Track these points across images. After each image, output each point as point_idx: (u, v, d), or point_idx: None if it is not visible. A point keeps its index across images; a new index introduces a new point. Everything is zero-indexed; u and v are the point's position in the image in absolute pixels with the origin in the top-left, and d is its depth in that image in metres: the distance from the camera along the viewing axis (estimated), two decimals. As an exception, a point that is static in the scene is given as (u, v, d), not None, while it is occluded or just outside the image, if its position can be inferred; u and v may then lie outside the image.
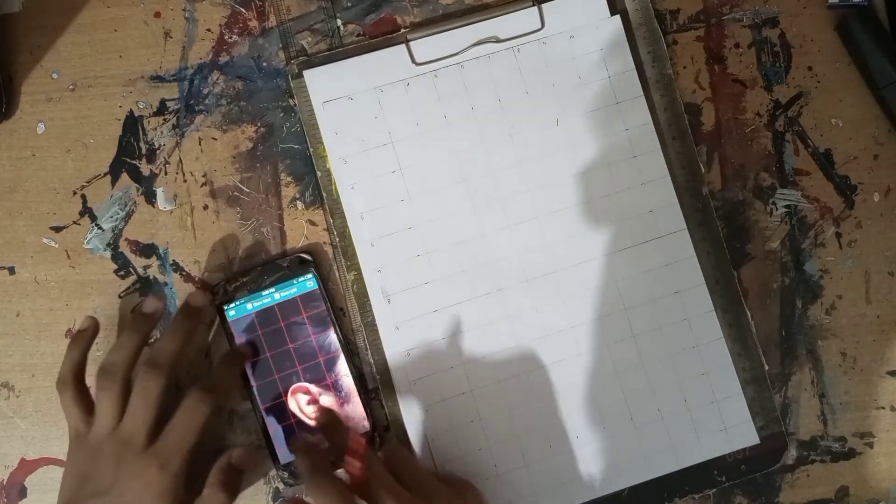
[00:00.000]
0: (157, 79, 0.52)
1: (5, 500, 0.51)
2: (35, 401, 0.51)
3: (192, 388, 0.46)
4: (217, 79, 0.52)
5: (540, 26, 0.52)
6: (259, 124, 0.52)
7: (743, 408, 0.51)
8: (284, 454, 0.50)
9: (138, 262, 0.52)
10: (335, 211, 0.51)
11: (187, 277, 0.52)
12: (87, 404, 0.47)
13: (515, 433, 0.51)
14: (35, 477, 0.51)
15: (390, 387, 0.51)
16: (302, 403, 0.50)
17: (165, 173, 0.52)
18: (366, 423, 0.50)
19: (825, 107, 0.53)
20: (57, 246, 0.52)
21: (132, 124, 0.52)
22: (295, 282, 0.51)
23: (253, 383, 0.50)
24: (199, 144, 0.52)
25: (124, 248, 0.52)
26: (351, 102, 0.52)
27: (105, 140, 0.52)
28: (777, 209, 0.53)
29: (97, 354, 0.51)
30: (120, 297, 0.52)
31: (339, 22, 0.53)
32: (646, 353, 0.51)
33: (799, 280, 0.53)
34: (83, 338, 0.49)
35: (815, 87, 0.53)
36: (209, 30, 0.53)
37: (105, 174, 0.52)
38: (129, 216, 0.52)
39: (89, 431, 0.46)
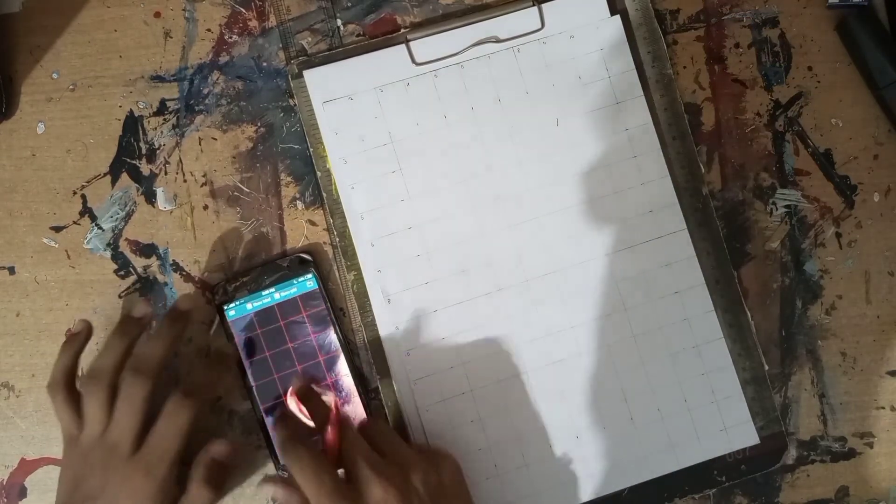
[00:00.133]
0: (157, 79, 0.52)
1: (5, 500, 0.51)
2: (35, 401, 0.51)
3: (174, 393, 0.46)
4: (217, 79, 0.52)
5: (540, 26, 0.52)
6: (259, 124, 0.52)
7: (743, 408, 0.51)
8: (284, 454, 0.50)
9: (138, 262, 0.52)
10: (335, 211, 0.51)
11: (187, 277, 0.52)
12: (78, 408, 0.47)
13: (515, 433, 0.51)
14: (35, 477, 0.51)
15: (390, 387, 0.51)
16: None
17: (165, 173, 0.52)
18: (366, 423, 0.50)
19: (825, 107, 0.53)
20: (57, 246, 0.52)
21: (132, 124, 0.52)
22: (295, 282, 0.51)
23: (253, 383, 0.50)
24: (199, 144, 0.52)
25: (124, 248, 0.52)
26: (351, 102, 0.52)
27: (105, 140, 0.52)
28: (777, 209, 0.53)
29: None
30: (120, 297, 0.52)
31: (339, 22, 0.53)
32: (646, 353, 0.51)
33: (799, 280, 0.53)
34: (75, 341, 0.48)
35: (815, 87, 0.53)
36: (209, 30, 0.53)
37: (105, 174, 0.52)
38: (129, 216, 0.52)
39: (81, 435, 0.46)
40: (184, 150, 0.52)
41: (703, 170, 0.52)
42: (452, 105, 0.52)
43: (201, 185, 0.52)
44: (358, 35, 0.53)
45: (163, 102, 0.52)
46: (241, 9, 0.53)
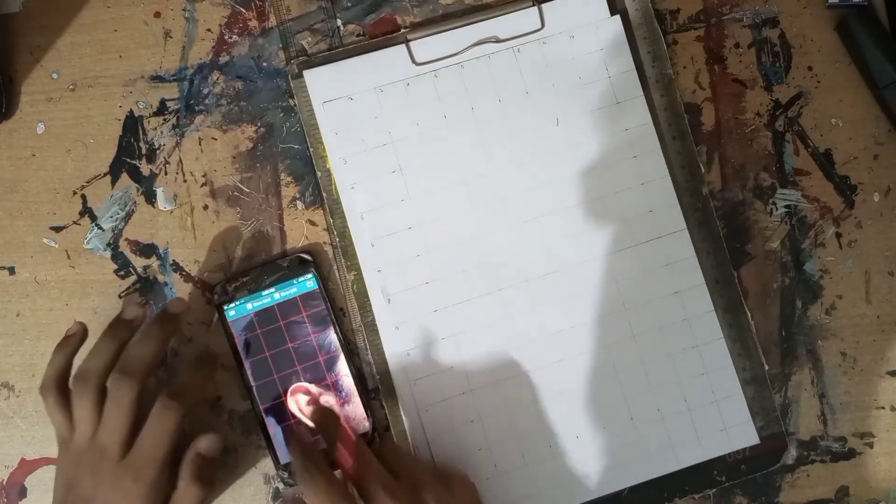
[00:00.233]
0: (157, 79, 0.52)
1: (5, 500, 0.51)
2: (35, 401, 0.51)
3: (161, 395, 0.45)
4: (217, 79, 0.52)
5: (540, 26, 0.52)
6: (259, 124, 0.52)
7: (743, 408, 0.51)
8: (284, 454, 0.50)
9: (138, 262, 0.52)
10: (335, 211, 0.51)
11: (187, 277, 0.52)
12: (69, 410, 0.46)
13: (515, 433, 0.51)
14: (35, 477, 0.51)
15: (390, 387, 0.51)
16: (302, 404, 0.49)
17: (165, 173, 0.52)
18: (366, 423, 0.50)
19: (825, 107, 0.53)
20: (57, 246, 0.52)
21: (132, 124, 0.52)
22: (295, 282, 0.51)
23: (253, 383, 0.50)
24: (199, 144, 0.52)
25: (124, 248, 0.52)
26: (351, 102, 0.52)
27: (105, 140, 0.52)
28: (777, 209, 0.53)
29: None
30: (120, 297, 0.52)
31: (339, 22, 0.53)
32: (646, 353, 0.51)
33: (799, 280, 0.53)
34: (69, 344, 0.48)
35: (815, 87, 0.53)
36: (209, 30, 0.53)
37: (105, 174, 0.52)
38: (129, 216, 0.52)
39: (73, 437, 0.46)
40: (184, 150, 0.52)
41: (703, 170, 0.52)
42: (452, 105, 0.52)
43: (201, 185, 0.52)
44: (358, 35, 0.53)
45: (163, 102, 0.52)
46: (241, 9, 0.53)
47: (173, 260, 0.52)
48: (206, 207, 0.52)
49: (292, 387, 0.50)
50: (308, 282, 0.51)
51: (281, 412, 0.50)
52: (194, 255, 0.52)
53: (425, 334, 0.51)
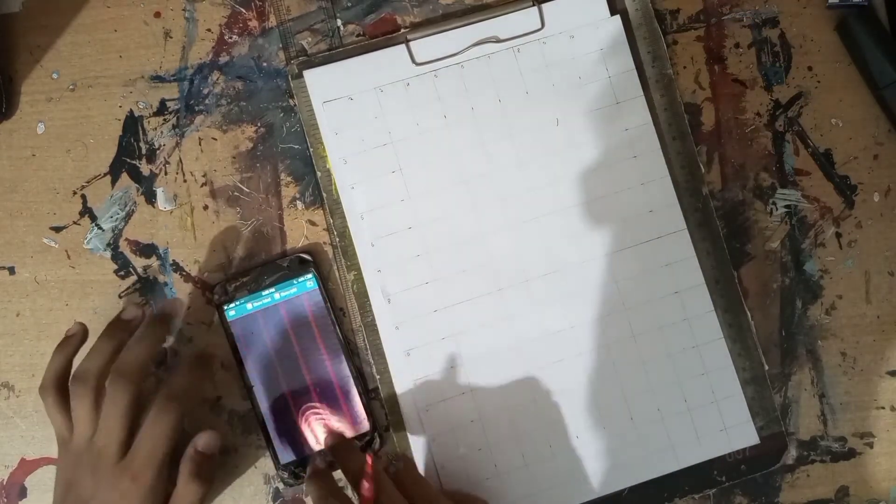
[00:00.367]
0: (157, 79, 0.52)
1: (5, 500, 0.51)
2: (35, 401, 0.51)
3: (158, 396, 0.45)
4: (217, 79, 0.52)
5: (540, 26, 0.52)
6: (259, 124, 0.52)
7: (743, 408, 0.51)
8: (284, 454, 0.50)
9: (138, 262, 0.52)
10: (335, 211, 0.51)
11: (187, 277, 0.52)
12: (68, 411, 0.46)
13: (515, 433, 0.51)
14: (35, 477, 0.51)
15: (390, 388, 0.51)
16: (312, 423, 0.50)
17: (165, 173, 0.52)
18: (366, 424, 0.50)
19: (825, 107, 0.53)
20: (57, 246, 0.52)
21: (132, 124, 0.52)
22: (295, 282, 0.51)
23: (253, 383, 0.50)
24: (199, 144, 0.52)
25: (124, 248, 0.52)
26: (351, 102, 0.52)
27: (105, 140, 0.52)
28: (777, 209, 0.53)
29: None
30: (120, 297, 0.52)
31: (339, 22, 0.53)
32: (646, 353, 0.51)
33: (799, 280, 0.53)
34: (68, 344, 0.48)
35: (815, 87, 0.53)
36: (209, 30, 0.53)
37: (105, 174, 0.52)
38: (129, 216, 0.52)
39: (72, 438, 0.46)
40: (184, 150, 0.52)
41: (703, 170, 0.52)
42: (452, 105, 0.52)
43: (201, 185, 0.52)
44: (358, 35, 0.53)
45: (163, 102, 0.52)
46: (241, 9, 0.53)
47: (173, 260, 0.52)
48: (206, 207, 0.52)
49: (302, 407, 0.50)
50: (308, 282, 0.51)
51: (281, 412, 0.50)
52: (194, 255, 0.52)
53: (425, 334, 0.51)
